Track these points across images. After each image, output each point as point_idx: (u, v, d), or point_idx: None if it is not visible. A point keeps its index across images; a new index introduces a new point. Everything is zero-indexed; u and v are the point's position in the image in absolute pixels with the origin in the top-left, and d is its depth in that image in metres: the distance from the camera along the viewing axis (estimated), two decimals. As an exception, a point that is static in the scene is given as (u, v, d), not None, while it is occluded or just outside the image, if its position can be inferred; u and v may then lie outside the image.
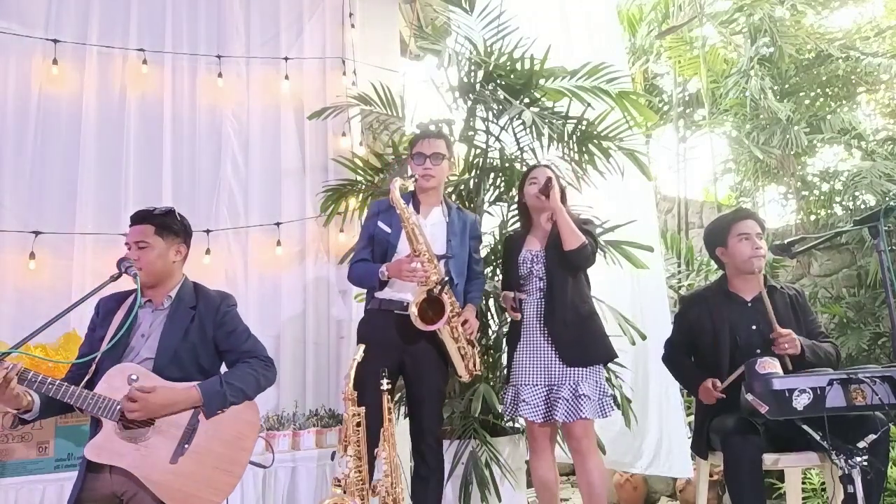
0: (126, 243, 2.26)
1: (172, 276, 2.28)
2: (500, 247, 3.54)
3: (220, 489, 2.07)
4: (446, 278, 2.56)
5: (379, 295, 2.66)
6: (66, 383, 2.00)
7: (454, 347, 2.59)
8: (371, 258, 2.69)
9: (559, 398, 2.53)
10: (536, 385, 2.61)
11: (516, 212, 3.58)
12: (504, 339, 3.46)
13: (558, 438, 2.83)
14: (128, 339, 2.17)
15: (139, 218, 2.27)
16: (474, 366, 2.66)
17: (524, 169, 3.54)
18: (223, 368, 2.29)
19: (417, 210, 2.70)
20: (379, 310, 2.65)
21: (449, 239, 2.69)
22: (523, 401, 2.60)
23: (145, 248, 2.21)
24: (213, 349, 2.25)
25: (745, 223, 2.59)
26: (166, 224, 2.27)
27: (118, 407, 2.01)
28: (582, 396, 2.53)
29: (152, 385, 2.04)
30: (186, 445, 2.06)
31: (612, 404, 2.66)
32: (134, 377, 2.06)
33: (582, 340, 2.60)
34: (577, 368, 2.57)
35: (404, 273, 2.51)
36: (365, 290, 2.80)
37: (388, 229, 2.69)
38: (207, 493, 2.04)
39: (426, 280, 2.50)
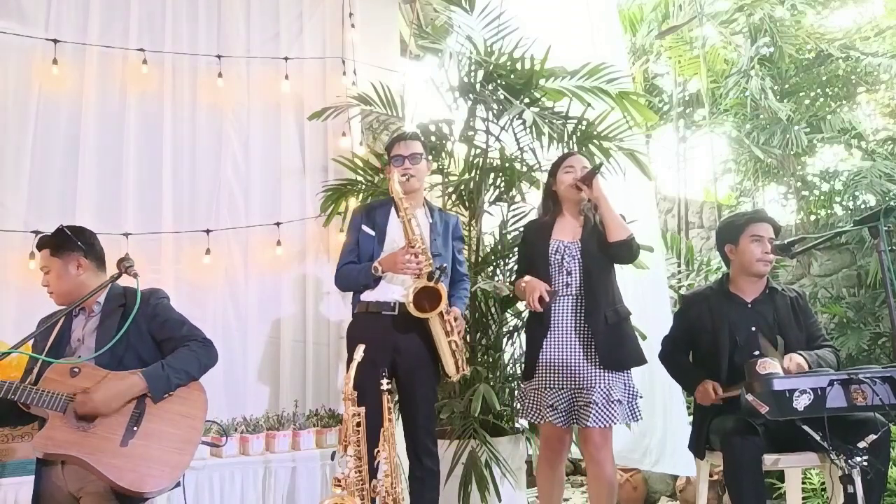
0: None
1: (87, 287, 2.28)
2: (500, 246, 3.54)
3: (173, 468, 2.14)
4: (445, 265, 2.57)
5: (365, 297, 2.65)
6: (6, 381, 2.04)
7: (445, 342, 2.56)
8: (358, 262, 2.69)
9: (591, 402, 2.42)
10: (562, 388, 2.50)
11: (516, 211, 3.60)
12: (505, 338, 3.48)
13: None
14: (64, 346, 2.24)
15: (38, 246, 2.34)
16: (463, 365, 2.63)
17: (524, 169, 3.55)
18: None
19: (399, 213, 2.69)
20: (367, 312, 2.64)
21: (434, 238, 2.69)
22: (550, 406, 2.49)
23: (48, 272, 2.28)
24: (150, 342, 2.30)
25: (761, 226, 2.57)
26: (57, 243, 2.31)
27: (63, 398, 2.06)
28: (615, 402, 2.44)
29: (87, 394, 2.08)
30: (135, 428, 2.11)
31: (639, 406, 2.57)
32: (75, 370, 2.11)
33: (621, 343, 2.52)
34: (610, 372, 2.47)
35: (399, 265, 2.51)
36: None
37: (371, 232, 2.70)
38: (160, 472, 2.11)
39: (420, 272, 2.50)
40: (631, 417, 2.52)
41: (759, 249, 2.54)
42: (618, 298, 2.60)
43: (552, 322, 2.56)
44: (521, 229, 3.01)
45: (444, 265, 2.57)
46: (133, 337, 2.25)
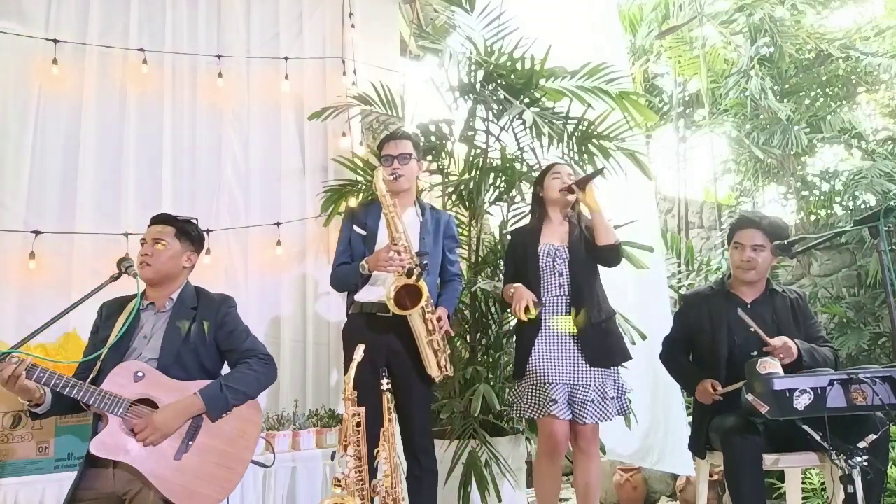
0: (142, 240, 2.31)
1: (177, 280, 2.32)
2: (499, 246, 3.54)
3: (222, 486, 2.09)
4: (425, 261, 2.56)
5: (359, 298, 2.67)
6: (73, 379, 2.03)
7: (425, 341, 2.55)
8: (351, 262, 2.70)
9: (587, 400, 2.52)
10: (558, 384, 2.55)
11: (516, 211, 3.59)
12: (505, 338, 3.47)
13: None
14: (130, 340, 2.20)
15: (161, 219, 2.34)
16: (446, 366, 2.62)
17: (524, 169, 3.55)
18: (226, 367, 2.33)
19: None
20: (361, 313, 2.66)
21: (423, 237, 2.70)
22: (553, 400, 2.51)
23: (163, 247, 2.26)
24: (215, 350, 2.28)
25: (742, 232, 2.61)
26: (185, 230, 2.35)
27: (125, 403, 2.05)
28: (609, 399, 2.54)
29: (148, 416, 2.05)
30: (190, 442, 2.09)
31: (629, 400, 2.68)
32: (140, 374, 2.10)
33: (606, 341, 2.60)
34: (600, 369, 2.56)
35: (381, 262, 2.52)
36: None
37: (362, 232, 2.72)
38: (210, 489, 2.06)
39: (402, 270, 2.50)
40: (621, 412, 2.63)
41: (738, 256, 2.60)
42: (602, 298, 2.68)
43: (544, 322, 2.62)
44: (509, 235, 3.02)
45: (425, 262, 2.56)
46: (198, 341, 2.24)
